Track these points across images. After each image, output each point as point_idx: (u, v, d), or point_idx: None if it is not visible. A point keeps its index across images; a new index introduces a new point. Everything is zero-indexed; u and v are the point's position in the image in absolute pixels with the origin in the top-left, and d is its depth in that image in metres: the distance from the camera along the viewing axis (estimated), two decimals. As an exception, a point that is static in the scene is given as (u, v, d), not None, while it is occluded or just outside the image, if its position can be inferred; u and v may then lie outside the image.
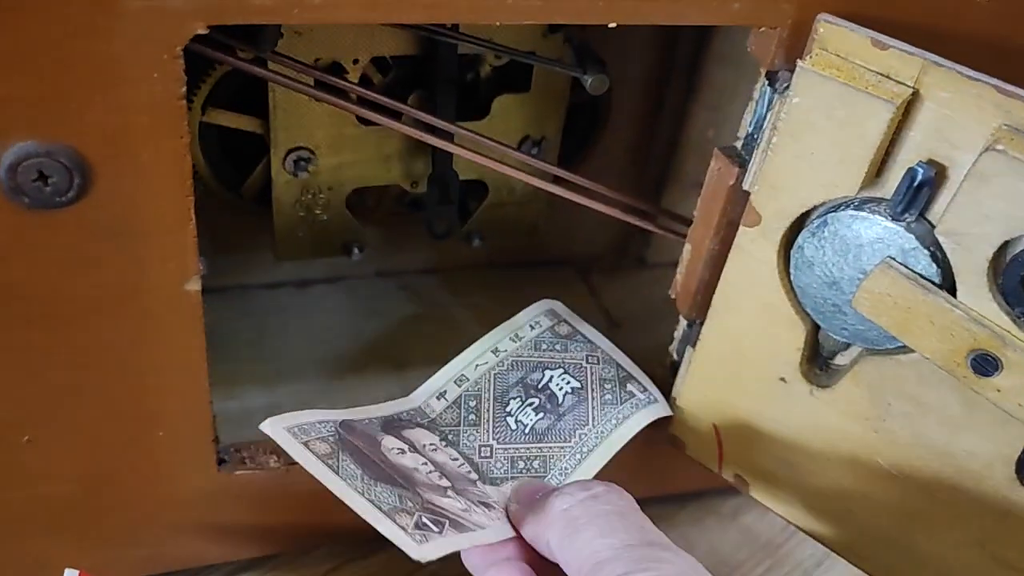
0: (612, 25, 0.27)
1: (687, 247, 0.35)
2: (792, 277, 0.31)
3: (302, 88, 0.33)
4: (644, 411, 0.36)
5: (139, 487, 0.34)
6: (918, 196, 0.28)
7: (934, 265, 0.28)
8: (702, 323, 0.35)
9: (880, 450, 0.32)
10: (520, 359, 0.37)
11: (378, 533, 0.29)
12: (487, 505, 0.32)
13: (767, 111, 0.31)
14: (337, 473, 0.30)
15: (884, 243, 0.29)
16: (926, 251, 0.28)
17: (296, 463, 0.35)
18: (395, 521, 0.29)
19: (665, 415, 0.36)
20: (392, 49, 0.36)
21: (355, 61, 0.35)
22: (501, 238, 0.43)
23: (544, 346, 0.38)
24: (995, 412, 0.28)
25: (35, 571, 0.35)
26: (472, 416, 0.35)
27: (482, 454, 0.34)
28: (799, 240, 0.31)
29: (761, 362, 0.33)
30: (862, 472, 0.33)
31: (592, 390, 0.36)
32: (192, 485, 0.35)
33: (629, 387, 0.36)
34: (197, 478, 0.35)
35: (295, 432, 0.31)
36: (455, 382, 0.36)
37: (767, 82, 0.31)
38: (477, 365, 0.37)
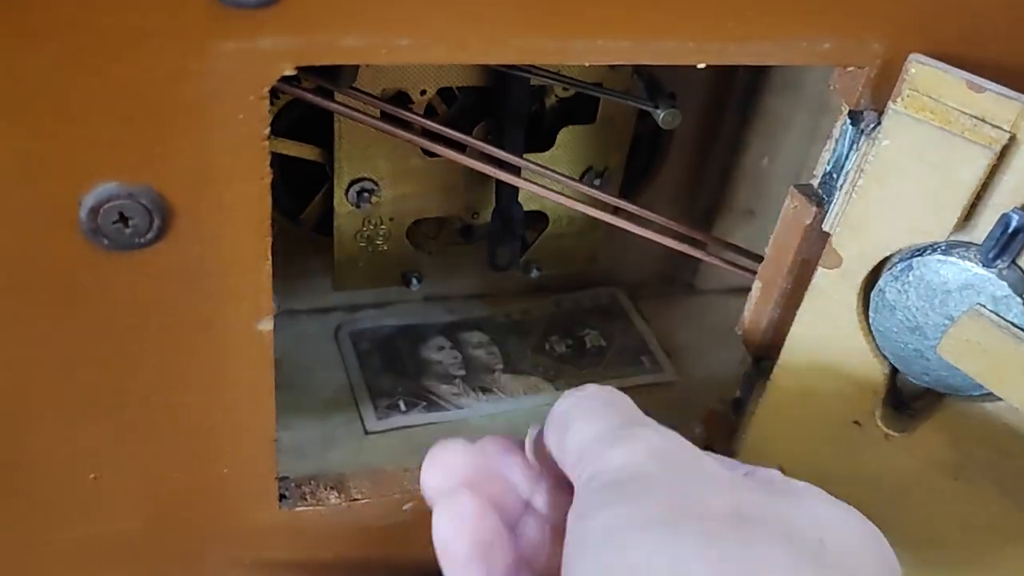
0: (701, 66, 0.27)
1: (756, 284, 0.35)
2: (871, 320, 0.31)
3: (368, 121, 0.32)
4: None
5: (202, 523, 0.34)
6: (1012, 243, 0.27)
7: (1028, 314, 0.27)
8: (772, 362, 0.34)
9: (960, 501, 0.31)
10: None
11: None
12: (487, 390, 0.39)
13: (849, 151, 0.30)
14: None
15: (974, 289, 0.28)
16: (1019, 299, 0.27)
17: (357, 499, 0.35)
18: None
19: None
20: (460, 80, 0.35)
21: (423, 92, 0.35)
22: (559, 267, 0.42)
23: None
24: (1090, 465, 0.28)
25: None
26: None
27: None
28: (880, 283, 0.30)
29: (835, 405, 0.33)
30: (939, 521, 0.32)
31: None
32: (254, 521, 0.34)
33: None
34: (259, 514, 0.34)
35: None
36: None
37: (850, 121, 0.30)
38: None
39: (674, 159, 0.45)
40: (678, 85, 0.42)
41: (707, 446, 0.39)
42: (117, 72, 0.23)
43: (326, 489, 0.36)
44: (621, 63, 0.26)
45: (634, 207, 0.35)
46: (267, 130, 0.25)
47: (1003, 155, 0.27)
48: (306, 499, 0.35)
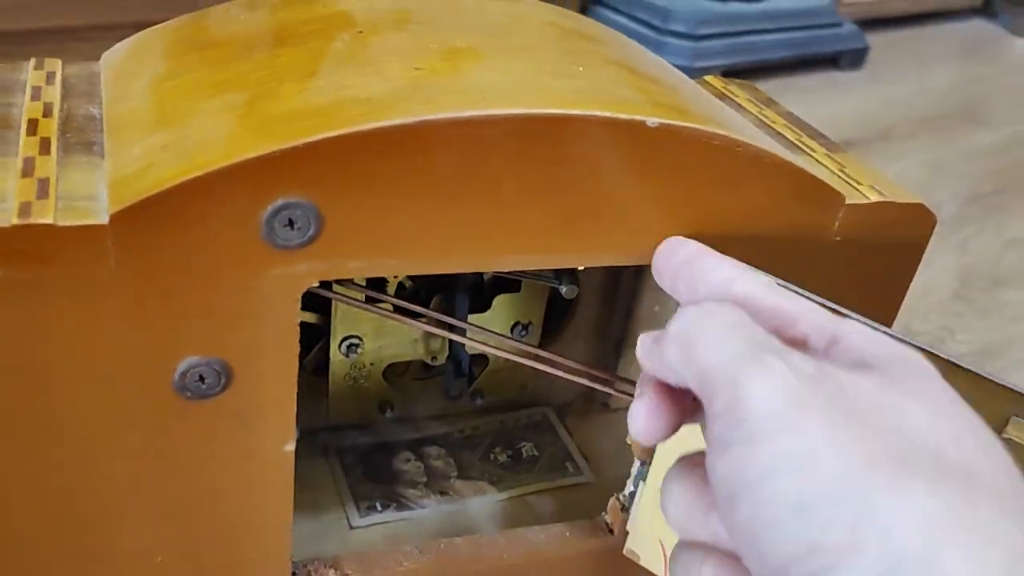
0: (581, 268, 0.41)
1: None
2: (711, 433, 0.44)
3: (356, 304, 0.46)
4: None
5: (234, 596, 0.45)
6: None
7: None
8: (650, 463, 0.48)
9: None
10: None
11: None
12: (444, 493, 0.52)
13: (689, 317, 0.44)
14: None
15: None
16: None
17: (348, 574, 0.47)
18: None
19: None
20: (421, 266, 0.50)
21: (395, 276, 0.49)
22: (498, 394, 0.56)
23: None
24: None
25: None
26: None
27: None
28: (714, 408, 0.44)
29: (693, 494, 0.46)
30: None
31: None
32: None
33: None
34: (275, 589, 0.46)
35: None
36: None
37: (689, 297, 0.44)
38: None
39: (585, 309, 0.59)
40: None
41: (610, 530, 0.52)
42: (206, 287, 0.36)
43: (325, 567, 0.48)
44: (530, 268, 0.40)
45: (547, 353, 0.49)
46: (298, 320, 0.38)
47: (782, 323, 0.41)
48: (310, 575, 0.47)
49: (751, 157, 0.41)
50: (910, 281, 0.47)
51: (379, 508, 0.55)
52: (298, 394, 0.42)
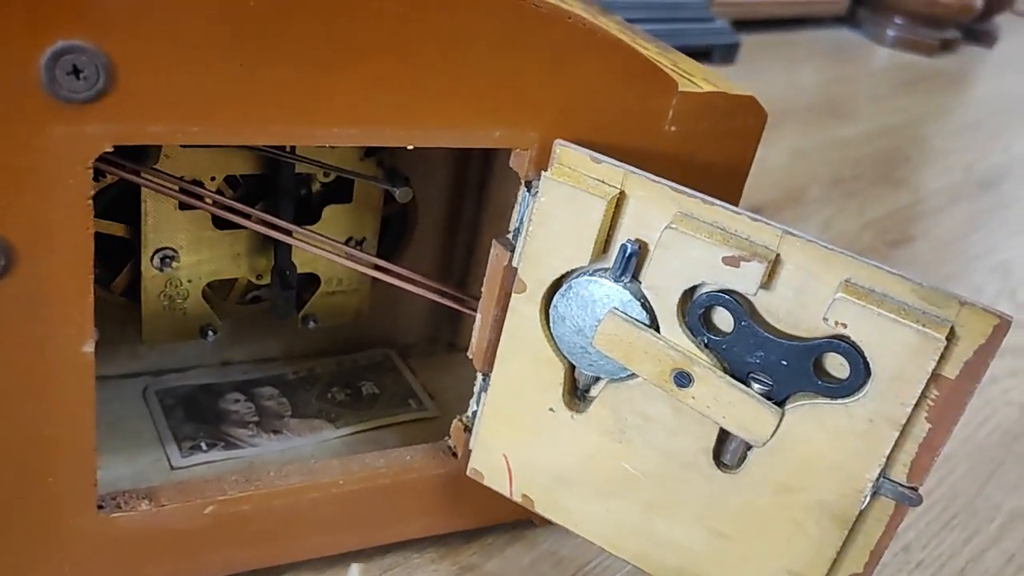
0: (410, 147, 0.38)
1: (478, 316, 0.46)
2: (551, 329, 0.42)
3: (172, 193, 0.42)
4: None
5: (27, 530, 0.40)
6: (629, 264, 0.40)
7: (644, 311, 0.40)
8: (490, 374, 0.45)
9: (624, 457, 0.43)
10: None
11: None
12: (278, 432, 0.48)
13: (525, 208, 0.42)
14: None
15: (610, 298, 0.40)
16: (638, 302, 0.40)
17: (164, 504, 0.43)
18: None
19: None
20: (242, 169, 0.46)
21: (212, 178, 0.45)
22: (332, 319, 0.52)
23: None
24: (694, 415, 0.40)
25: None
26: None
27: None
28: (554, 300, 0.42)
29: (535, 398, 0.44)
30: (613, 476, 0.43)
31: None
32: (75, 527, 0.41)
33: None
34: (79, 521, 0.41)
35: None
36: None
37: (525, 188, 0.42)
38: None
39: (427, 236, 0.57)
40: (423, 176, 0.54)
41: (453, 453, 0.49)
42: (-21, 148, 0.32)
43: (139, 499, 0.43)
44: (351, 144, 0.37)
45: (390, 264, 0.46)
46: (91, 192, 0.34)
47: (618, 205, 0.40)
48: (120, 507, 0.43)
49: (582, 32, 0.39)
50: (745, 176, 0.46)
51: (204, 448, 0.51)
52: (109, 323, 0.38)
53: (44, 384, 0.37)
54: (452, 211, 0.57)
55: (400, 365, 0.61)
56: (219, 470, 0.50)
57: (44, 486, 0.39)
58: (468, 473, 0.47)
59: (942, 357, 0.35)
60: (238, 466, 0.50)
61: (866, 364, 0.36)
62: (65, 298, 0.36)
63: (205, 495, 0.44)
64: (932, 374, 0.35)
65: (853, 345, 0.36)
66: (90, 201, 0.34)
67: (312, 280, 0.52)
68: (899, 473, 0.38)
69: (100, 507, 0.42)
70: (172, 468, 0.50)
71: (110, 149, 0.34)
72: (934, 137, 1.52)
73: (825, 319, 0.36)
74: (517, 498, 0.46)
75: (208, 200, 0.43)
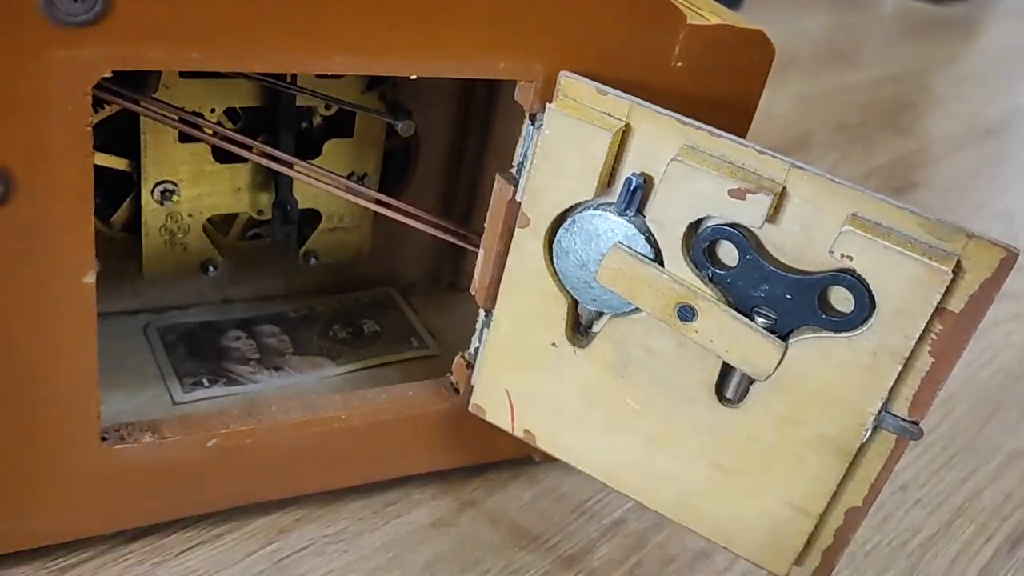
0: (413, 77, 0.38)
1: (481, 252, 0.46)
2: (555, 264, 0.42)
3: (173, 123, 0.41)
4: None
5: (29, 463, 0.40)
6: (634, 197, 0.39)
7: (648, 245, 0.39)
8: (492, 310, 0.45)
9: (626, 391, 0.43)
10: None
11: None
12: (279, 369, 0.47)
13: (529, 142, 0.42)
14: None
15: (614, 232, 0.40)
16: (642, 236, 0.39)
17: (168, 437, 0.43)
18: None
19: None
20: (242, 101, 0.45)
21: (212, 110, 0.44)
22: (333, 256, 0.52)
23: None
24: (697, 349, 0.40)
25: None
26: None
27: None
28: (558, 235, 0.42)
29: (537, 333, 0.44)
30: (615, 411, 0.43)
31: None
32: (78, 459, 0.41)
33: None
34: (83, 453, 0.41)
35: None
36: None
37: (529, 121, 0.42)
38: None
39: (430, 172, 0.56)
40: (425, 109, 0.53)
41: (456, 390, 0.49)
42: (-25, 71, 0.31)
43: (142, 431, 0.43)
44: (353, 72, 0.37)
45: (392, 200, 0.46)
46: (91, 119, 0.34)
47: (623, 138, 0.39)
48: (124, 439, 0.43)
49: (589, -41, 0.39)
50: (752, 114, 0.46)
51: (206, 384, 0.51)
52: (110, 259, 0.37)
53: (46, 315, 0.37)
54: (455, 146, 0.56)
55: (401, 304, 0.61)
56: (221, 405, 0.50)
57: (47, 417, 0.40)
58: (470, 409, 0.47)
59: (947, 290, 0.35)
60: (240, 402, 0.50)
61: (871, 297, 0.36)
62: (65, 228, 0.35)
63: (208, 428, 0.44)
64: (937, 307, 0.35)
65: (858, 278, 0.36)
66: (89, 129, 0.34)
67: (313, 216, 0.51)
68: (901, 407, 0.38)
69: (103, 439, 0.42)
70: (174, 403, 0.50)
71: (109, 75, 0.33)
72: (940, 84, 1.51)
73: (831, 252, 0.36)
74: (519, 433, 0.46)
75: (208, 132, 0.43)
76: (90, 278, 0.37)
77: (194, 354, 0.53)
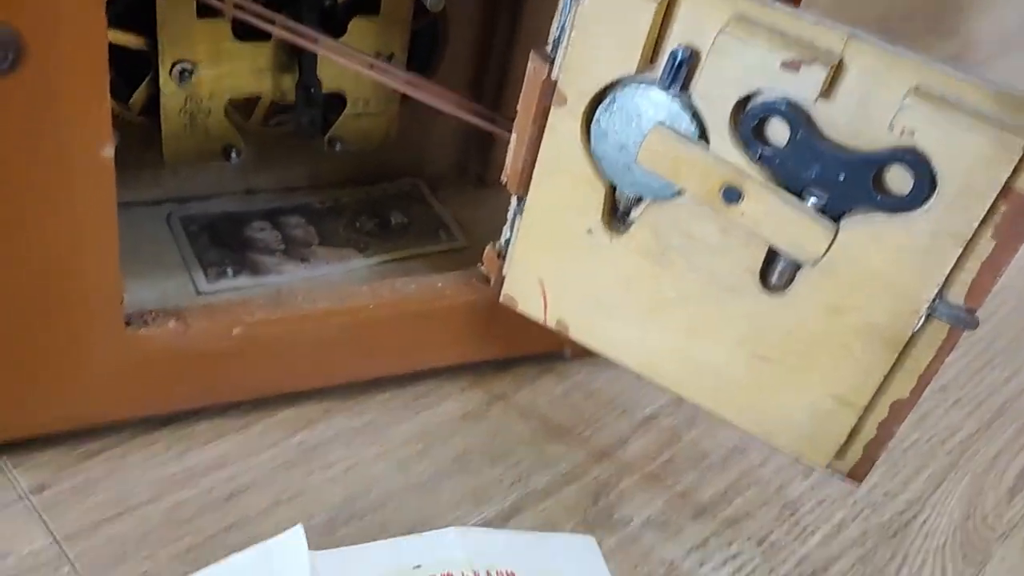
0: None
1: (513, 136, 0.44)
2: (592, 147, 0.40)
3: None
4: None
5: (55, 346, 0.40)
6: (679, 73, 0.37)
7: (693, 124, 0.37)
8: (525, 197, 0.43)
9: (665, 279, 0.41)
10: None
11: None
12: (305, 260, 0.48)
13: (566, 16, 0.39)
14: None
15: (657, 111, 0.38)
16: (687, 114, 0.37)
17: (192, 324, 0.42)
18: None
19: None
20: (263, -26, 0.43)
21: (231, -15, 0.42)
22: (358, 143, 0.50)
23: None
24: (741, 234, 0.38)
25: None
26: None
27: None
28: (596, 116, 0.39)
29: (572, 220, 0.42)
30: (653, 300, 0.42)
31: None
32: (103, 344, 0.41)
33: None
34: (107, 338, 0.41)
35: None
36: None
37: (567, -7, 0.39)
38: None
39: (458, 57, 0.54)
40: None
41: (486, 280, 0.48)
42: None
43: (166, 317, 0.42)
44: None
45: (422, 80, 0.43)
46: (102, -17, 0.32)
47: (669, 10, 0.37)
48: (148, 324, 0.42)
49: None
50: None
51: (230, 274, 0.50)
52: (129, 146, 0.35)
53: (65, 189, 0.35)
54: (486, 27, 0.54)
55: (428, 196, 0.59)
56: (246, 295, 0.49)
57: (70, 299, 0.39)
58: (501, 300, 0.46)
59: (1016, 168, 0.32)
60: (266, 292, 0.49)
61: (932, 176, 0.34)
62: (79, 97, 0.34)
63: (233, 316, 0.43)
64: (1004, 186, 0.33)
65: (919, 155, 0.34)
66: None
67: (338, 102, 0.49)
68: (957, 294, 0.36)
69: (127, 324, 0.41)
70: (198, 293, 0.49)
71: (120, -71, 0.31)
72: (988, -17, 1.45)
73: (891, 128, 0.34)
74: (552, 324, 0.45)
75: (228, 3, 0.41)
76: (108, 152, 0.35)
77: (218, 244, 0.52)
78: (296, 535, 0.36)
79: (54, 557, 0.39)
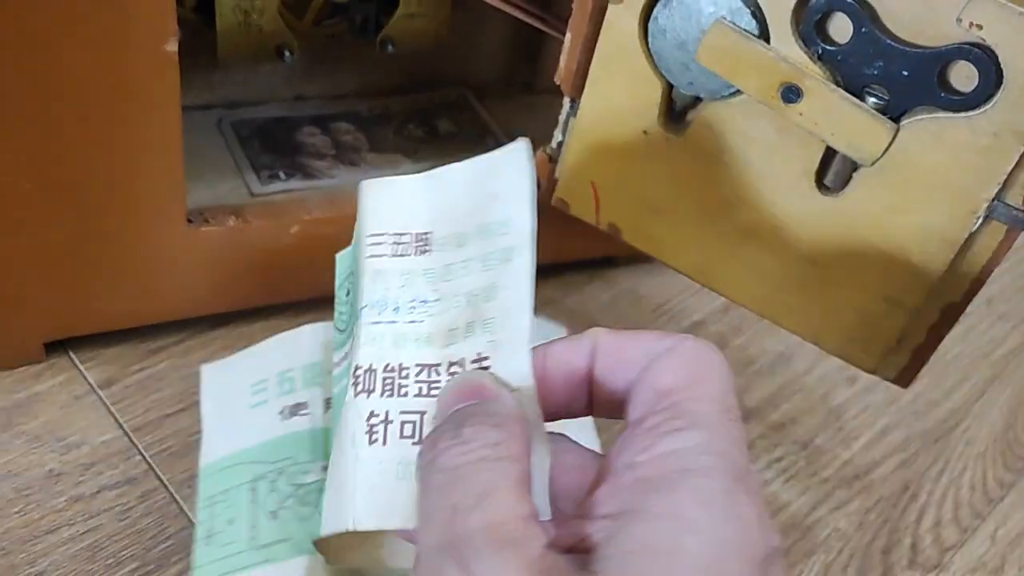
0: None
1: (568, 36, 0.43)
2: (650, 44, 0.40)
3: None
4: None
5: (118, 241, 0.40)
6: (742, -33, 0.37)
7: (754, 21, 0.37)
8: (579, 99, 0.43)
9: (720, 181, 0.41)
10: None
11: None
12: (355, 164, 0.49)
13: (623, -87, 0.39)
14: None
15: (718, 7, 0.37)
16: (747, 9, 0.37)
17: (250, 221, 0.43)
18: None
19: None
20: None
21: None
22: (411, 44, 0.50)
23: None
24: (799, 135, 0.38)
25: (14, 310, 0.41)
26: None
27: None
28: (655, 12, 0.39)
29: (628, 120, 0.42)
30: (707, 202, 0.42)
31: None
32: (166, 240, 0.41)
33: None
34: (170, 234, 0.41)
35: None
36: None
37: None
38: None
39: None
40: None
41: (537, 184, 0.48)
42: None
43: (226, 215, 0.43)
44: None
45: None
46: None
47: (733, -100, 0.36)
48: (208, 222, 0.43)
49: None
50: None
51: (282, 177, 0.50)
52: (182, 47, 0.35)
53: (130, 82, 0.36)
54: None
55: (476, 104, 0.59)
56: (298, 199, 0.50)
57: (135, 195, 0.39)
58: (552, 203, 0.46)
59: (1086, 63, 0.32)
60: (319, 193, 0.49)
61: (999, 72, 0.33)
62: (145, -9, 0.34)
63: (290, 214, 0.44)
64: (1073, 82, 0.32)
65: (986, 50, 0.33)
66: None
67: (390, 4, 0.49)
68: (1016, 196, 0.36)
69: (189, 221, 0.42)
70: (252, 195, 0.49)
71: None
72: None
73: (958, 21, 0.33)
74: (603, 227, 0.45)
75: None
76: (172, 46, 0.36)
77: (269, 148, 0.52)
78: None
79: (125, 448, 0.41)
